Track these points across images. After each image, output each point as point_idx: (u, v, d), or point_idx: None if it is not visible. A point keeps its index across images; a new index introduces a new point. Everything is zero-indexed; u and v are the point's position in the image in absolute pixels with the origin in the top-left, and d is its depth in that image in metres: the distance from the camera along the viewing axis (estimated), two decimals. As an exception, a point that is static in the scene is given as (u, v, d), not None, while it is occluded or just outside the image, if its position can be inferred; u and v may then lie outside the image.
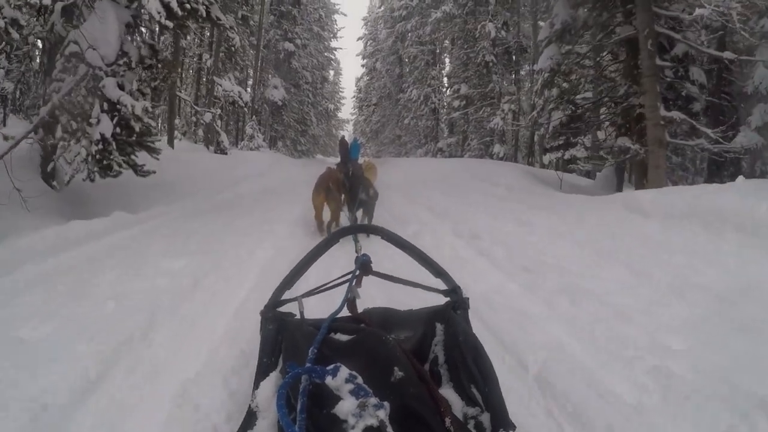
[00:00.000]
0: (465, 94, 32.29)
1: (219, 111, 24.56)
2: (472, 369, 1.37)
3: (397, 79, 51.39)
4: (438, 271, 1.89)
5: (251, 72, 39.55)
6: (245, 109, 28.21)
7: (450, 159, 29.66)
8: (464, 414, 1.32)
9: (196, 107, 23.64)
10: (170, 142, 20.32)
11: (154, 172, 10.64)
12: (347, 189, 8.57)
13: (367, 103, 63.49)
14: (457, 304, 1.76)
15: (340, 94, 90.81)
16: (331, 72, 74.35)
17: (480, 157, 31.06)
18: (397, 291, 2.28)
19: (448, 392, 1.39)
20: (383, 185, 12.01)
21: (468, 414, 1.31)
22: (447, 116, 37.57)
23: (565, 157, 23.23)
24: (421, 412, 1.15)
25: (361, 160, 24.11)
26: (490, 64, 30.67)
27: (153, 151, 10.23)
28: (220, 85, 24.37)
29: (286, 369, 1.26)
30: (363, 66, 64.32)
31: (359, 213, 8.48)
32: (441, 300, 1.86)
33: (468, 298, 1.81)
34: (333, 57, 61.31)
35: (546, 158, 24.28)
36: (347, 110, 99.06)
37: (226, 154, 23.30)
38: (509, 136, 32.84)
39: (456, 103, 32.94)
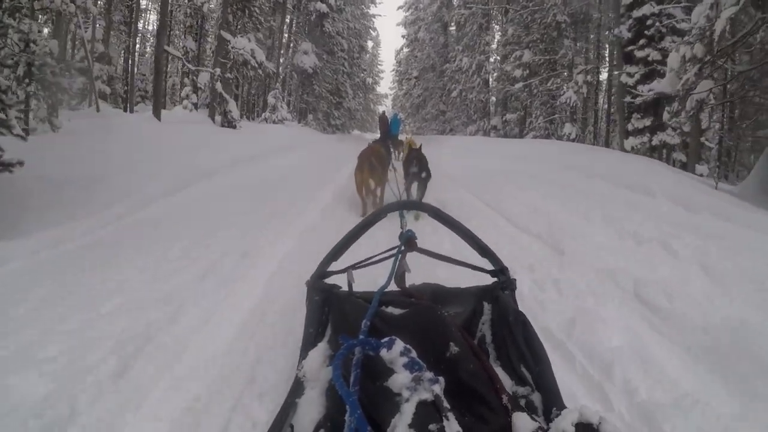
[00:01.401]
0: (528, 62, 26.53)
1: (225, 73, 19.12)
2: (522, 348, 1.35)
3: (441, 48, 46.16)
4: (485, 250, 1.78)
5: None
6: (260, 73, 22.59)
7: (513, 141, 24.18)
8: (514, 392, 1.25)
9: (188, 64, 18.23)
10: (156, 111, 15.14)
11: (20, 164, 5.53)
12: (405, 165, 8.34)
13: (408, 76, 59.48)
14: (505, 284, 1.71)
15: (379, 66, 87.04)
16: (370, 42, 69.80)
17: (545, 137, 25.47)
18: (441, 270, 2.17)
19: (497, 371, 1.28)
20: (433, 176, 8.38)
21: (518, 393, 1.26)
22: (502, 89, 31.72)
23: (653, 143, 18.93)
24: (477, 388, 1.13)
25: (401, 137, 22.98)
26: (562, 25, 24.82)
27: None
28: (228, 42, 19.04)
29: (338, 341, 1.21)
30: (403, 37, 59.82)
31: (414, 190, 8.10)
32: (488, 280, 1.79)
33: (515, 279, 1.75)
34: (371, 25, 55.88)
35: (628, 143, 19.62)
36: (386, 84, 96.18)
37: (234, 127, 18.07)
38: (581, 115, 26.97)
39: (517, 73, 27.07)
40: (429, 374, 1.00)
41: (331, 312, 1.60)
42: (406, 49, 60.63)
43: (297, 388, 1.23)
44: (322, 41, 37.57)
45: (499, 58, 31.77)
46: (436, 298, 1.81)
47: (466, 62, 32.69)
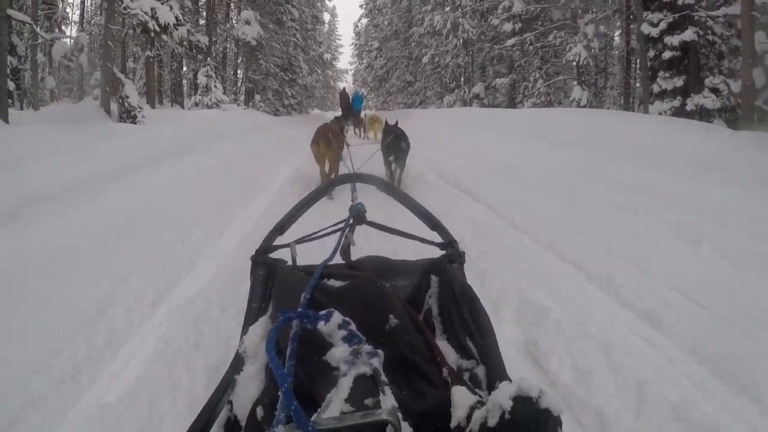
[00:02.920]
0: (519, 13, 20.89)
1: (117, 42, 13.10)
2: (468, 321, 1.30)
3: (405, 13, 40.44)
4: (435, 224, 1.74)
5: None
6: (183, 46, 16.80)
7: (511, 111, 18.53)
8: (458, 366, 1.21)
9: (39, 31, 12.13)
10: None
11: None
12: (385, 140, 8.33)
13: (368, 48, 54.50)
14: (453, 256, 1.61)
15: (338, 41, 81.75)
16: (326, 15, 64.04)
17: (546, 105, 20.07)
18: (393, 244, 2.15)
19: (442, 344, 1.26)
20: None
21: (463, 366, 1.22)
22: (487, 51, 26.08)
23: (687, 108, 14.79)
24: (417, 362, 1.10)
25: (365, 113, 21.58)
26: (561, -39, 19.34)
27: None
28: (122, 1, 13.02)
29: (278, 314, 1.13)
30: (361, 6, 55.34)
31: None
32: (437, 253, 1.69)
33: (464, 252, 1.65)
34: (326, -7, 50.06)
35: (654, 108, 15.57)
36: (345, 60, 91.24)
37: (134, 120, 12.17)
38: (594, 75, 21.70)
39: (507, 27, 21.39)
40: (368, 347, 0.95)
41: (274, 286, 1.50)
42: (365, 19, 56.25)
43: (236, 364, 1.19)
44: (267, 8, 31.52)
45: (479, 12, 25.97)
46: (381, 271, 1.67)
47: (439, 21, 26.76)
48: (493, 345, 1.21)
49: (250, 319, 1.37)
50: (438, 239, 1.73)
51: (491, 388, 1.09)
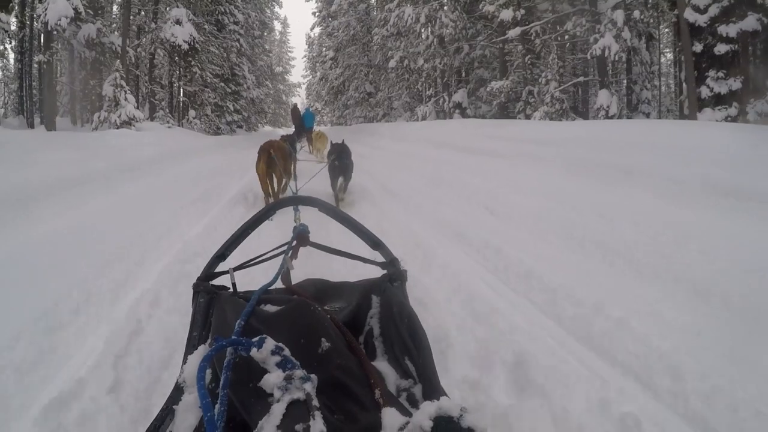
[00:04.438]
0: (520, -3, 15.98)
1: None
2: (407, 340, 1.31)
3: (363, 15, 35.47)
4: (375, 243, 1.72)
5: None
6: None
7: (521, 124, 13.70)
8: (397, 387, 1.20)
9: None
10: None
11: None
12: (332, 161, 8.25)
13: (322, 58, 50.05)
14: (394, 275, 1.62)
15: (290, 54, 77.21)
16: (277, 23, 58.98)
17: (557, 117, 15.28)
18: (337, 265, 2.15)
19: (382, 365, 1.25)
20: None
21: (401, 386, 1.20)
22: (467, 50, 21.21)
23: (749, 117, 11.80)
24: (349, 385, 1.06)
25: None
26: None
27: None
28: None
29: (213, 342, 1.12)
30: (314, 13, 51.11)
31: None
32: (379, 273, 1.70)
33: (406, 271, 1.65)
34: (275, -3, 45.01)
35: (703, 116, 12.09)
36: (298, 73, 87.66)
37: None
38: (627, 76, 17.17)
39: (505, 15, 16.37)
40: (300, 372, 0.96)
41: (214, 314, 1.45)
42: (318, 29, 52.19)
43: (175, 394, 1.14)
44: (202, 7, 26.19)
45: (461, 2, 20.95)
46: (321, 294, 1.68)
47: (410, 15, 21.59)
48: (429, 363, 1.23)
49: (189, 348, 1.36)
50: (380, 258, 1.72)
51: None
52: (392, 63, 25.07)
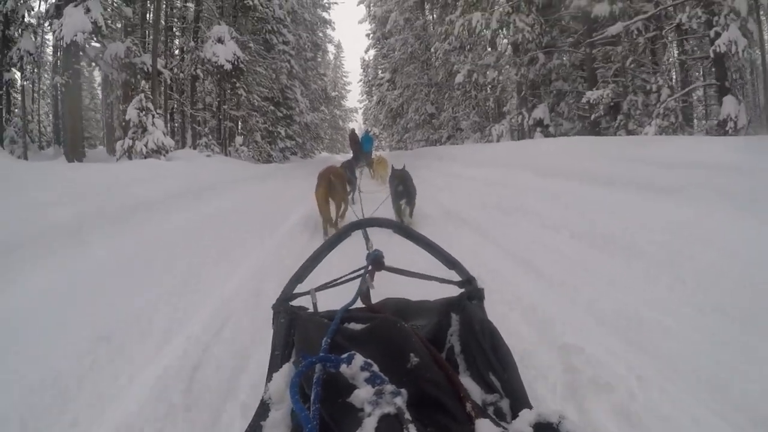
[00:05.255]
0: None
1: None
2: (490, 356, 1.27)
3: (420, 31, 32.73)
4: (452, 262, 1.73)
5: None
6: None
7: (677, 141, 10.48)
8: (483, 401, 1.17)
9: None
10: None
11: None
12: (395, 187, 7.97)
13: (378, 81, 47.14)
14: (472, 294, 1.58)
15: (345, 79, 75.70)
16: (330, 47, 57.02)
17: (678, 128, 12.03)
18: (411, 287, 1.88)
19: (466, 381, 1.22)
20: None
21: (487, 401, 1.18)
22: (543, 60, 18.11)
23: None
24: (440, 398, 1.04)
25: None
26: None
27: None
28: None
29: (300, 360, 1.19)
30: (368, 35, 47.41)
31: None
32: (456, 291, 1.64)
33: (483, 289, 1.60)
34: (329, 17, 42.95)
35: None
36: (354, 98, 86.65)
37: None
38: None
39: (600, 9, 13.10)
40: (391, 387, 0.95)
41: (296, 333, 1.46)
42: (372, 51, 48.70)
43: (262, 411, 1.15)
44: (248, 26, 23.97)
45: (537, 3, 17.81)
46: (401, 313, 1.63)
47: (479, 21, 18.48)
48: (515, 378, 1.21)
49: (274, 366, 1.36)
50: (456, 278, 1.71)
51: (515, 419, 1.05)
52: (459, 78, 22.03)
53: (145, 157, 13.66)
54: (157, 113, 14.69)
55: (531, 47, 17.90)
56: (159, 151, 13.95)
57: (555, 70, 19.35)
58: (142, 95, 14.31)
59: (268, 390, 1.18)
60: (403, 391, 0.95)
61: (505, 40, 18.30)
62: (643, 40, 13.28)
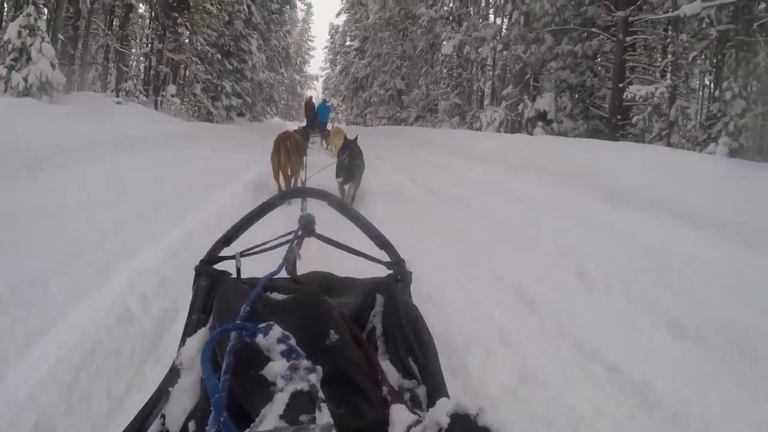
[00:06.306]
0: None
1: None
2: (411, 341, 1.25)
3: (403, -5, 29.17)
4: (383, 243, 1.63)
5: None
6: None
7: None
8: (400, 386, 1.14)
9: None
10: None
11: None
12: (342, 158, 7.82)
13: (345, 48, 46.41)
14: (400, 276, 1.53)
15: (310, 43, 71.96)
16: (300, 5, 52.55)
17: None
18: (338, 261, 1.87)
19: (384, 364, 1.19)
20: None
21: (404, 386, 1.16)
22: (552, 42, 14.83)
23: None
24: (356, 379, 1.04)
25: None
26: None
27: None
28: None
29: (216, 326, 1.14)
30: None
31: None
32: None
33: (411, 272, 1.55)
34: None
35: None
36: (317, 65, 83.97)
37: None
38: None
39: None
40: (306, 363, 0.92)
41: (216, 298, 1.39)
42: (344, 15, 47.10)
43: (171, 376, 1.12)
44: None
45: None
46: (326, 287, 1.57)
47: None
48: (435, 366, 1.21)
49: (188, 330, 1.30)
50: (387, 259, 1.65)
51: (432, 407, 0.94)
52: (446, 49, 18.46)
53: (20, 95, 9.71)
54: (46, 37, 10.63)
55: (547, 21, 14.44)
56: (43, 89, 9.98)
57: (563, 57, 15.98)
58: (33, 9, 10.30)
59: (180, 355, 1.13)
60: (319, 368, 0.91)
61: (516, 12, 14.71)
62: (715, 32, 9.88)
